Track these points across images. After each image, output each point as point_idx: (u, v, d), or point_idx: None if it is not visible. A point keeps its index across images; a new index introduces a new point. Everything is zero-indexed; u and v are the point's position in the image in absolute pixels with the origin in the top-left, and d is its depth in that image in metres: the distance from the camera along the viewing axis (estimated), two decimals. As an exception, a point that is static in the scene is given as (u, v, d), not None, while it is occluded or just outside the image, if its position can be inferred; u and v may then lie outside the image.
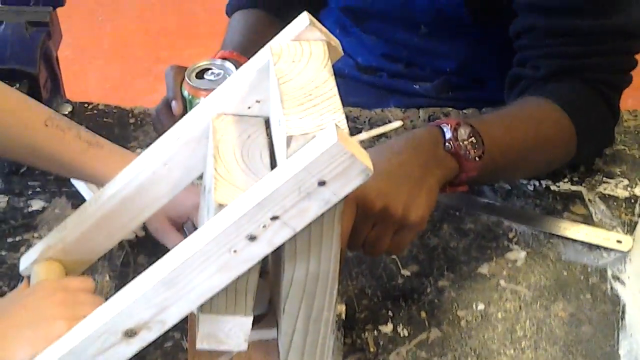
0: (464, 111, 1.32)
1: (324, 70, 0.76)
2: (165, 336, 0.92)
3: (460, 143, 0.97)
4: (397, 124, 0.90)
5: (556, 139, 1.12)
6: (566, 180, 1.20)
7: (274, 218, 0.71)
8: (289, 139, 0.70)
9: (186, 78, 1.10)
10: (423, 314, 0.98)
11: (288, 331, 0.86)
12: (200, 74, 1.11)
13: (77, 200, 1.13)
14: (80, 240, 0.89)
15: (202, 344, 0.82)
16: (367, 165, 0.69)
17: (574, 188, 1.19)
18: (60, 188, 1.15)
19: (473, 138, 0.99)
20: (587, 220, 1.13)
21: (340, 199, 0.72)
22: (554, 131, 1.11)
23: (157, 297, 0.74)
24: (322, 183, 0.70)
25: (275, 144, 0.78)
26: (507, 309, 1.00)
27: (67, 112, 1.27)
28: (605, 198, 1.17)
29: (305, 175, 0.69)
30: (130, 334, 0.75)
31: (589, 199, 1.17)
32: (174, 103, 1.12)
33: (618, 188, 1.19)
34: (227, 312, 0.79)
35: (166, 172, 0.85)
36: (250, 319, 0.81)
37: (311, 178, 0.69)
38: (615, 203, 1.16)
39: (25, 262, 0.90)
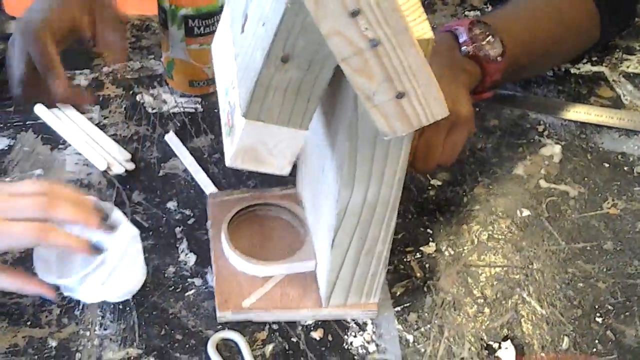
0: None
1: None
2: (184, 285, 0.81)
3: (477, 44, 0.86)
4: None
5: (580, 25, 1.01)
6: (585, 61, 1.10)
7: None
8: None
9: None
10: (465, 228, 0.88)
11: (335, 265, 0.75)
12: None
13: (46, 133, 0.98)
14: None
15: (236, 160, 0.66)
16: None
17: (595, 69, 1.09)
18: (25, 121, 0.99)
19: (490, 37, 0.88)
20: (617, 103, 1.03)
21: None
22: (578, 17, 1.00)
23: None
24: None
25: None
26: (553, 211, 0.90)
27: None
28: (630, 77, 1.07)
29: None
30: None
31: (613, 80, 1.07)
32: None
33: (641, 65, 1.10)
34: (279, 122, 0.63)
35: None
36: (304, 135, 0.65)
37: None
38: (641, 82, 1.07)
39: None
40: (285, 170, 0.67)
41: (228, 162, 0.66)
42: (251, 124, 0.63)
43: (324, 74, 0.61)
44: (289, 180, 0.90)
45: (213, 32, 0.95)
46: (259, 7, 0.61)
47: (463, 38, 0.88)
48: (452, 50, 0.87)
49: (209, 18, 0.95)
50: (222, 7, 0.95)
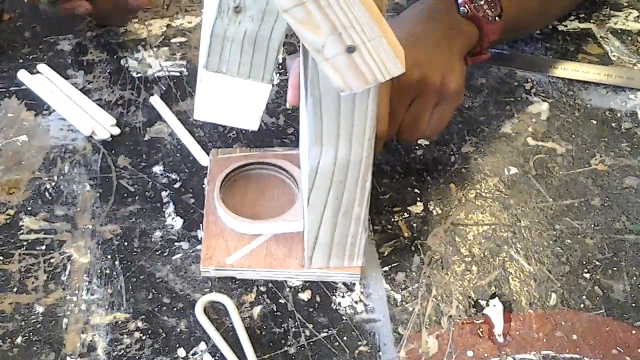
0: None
1: None
2: (171, 249, 0.81)
3: (476, 4, 0.85)
4: None
5: None
6: (572, 17, 1.09)
7: None
8: None
9: None
10: (453, 187, 0.88)
11: (313, 226, 0.75)
12: None
13: (29, 99, 0.97)
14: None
15: (202, 112, 0.67)
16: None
17: (582, 26, 1.08)
18: (8, 87, 0.98)
19: None
20: (604, 60, 1.03)
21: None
22: None
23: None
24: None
25: None
26: (541, 169, 0.90)
27: (-4, -1, 1.08)
28: (617, 33, 1.07)
29: None
30: None
31: (601, 36, 1.06)
32: None
33: (629, 21, 1.09)
34: (240, 74, 0.63)
35: None
36: (268, 89, 0.65)
37: None
38: (629, 38, 1.06)
39: None
40: (253, 125, 0.67)
41: (195, 115, 0.67)
42: (212, 75, 0.62)
43: (279, 25, 0.60)
44: (293, 141, 0.90)
45: None
46: None
47: None
48: (449, 11, 0.86)
49: None
50: None
